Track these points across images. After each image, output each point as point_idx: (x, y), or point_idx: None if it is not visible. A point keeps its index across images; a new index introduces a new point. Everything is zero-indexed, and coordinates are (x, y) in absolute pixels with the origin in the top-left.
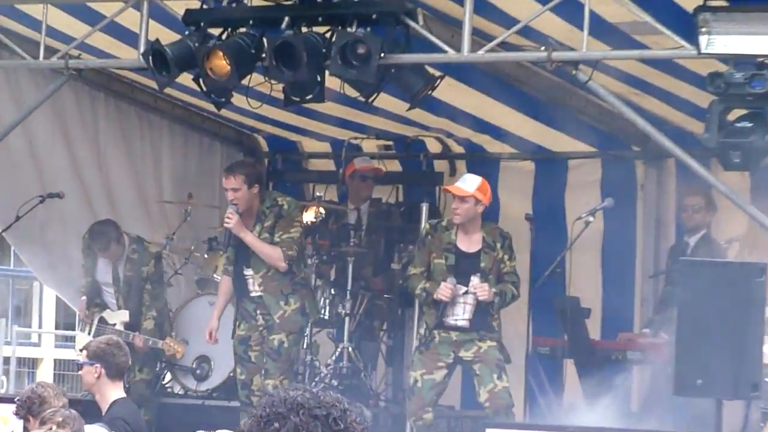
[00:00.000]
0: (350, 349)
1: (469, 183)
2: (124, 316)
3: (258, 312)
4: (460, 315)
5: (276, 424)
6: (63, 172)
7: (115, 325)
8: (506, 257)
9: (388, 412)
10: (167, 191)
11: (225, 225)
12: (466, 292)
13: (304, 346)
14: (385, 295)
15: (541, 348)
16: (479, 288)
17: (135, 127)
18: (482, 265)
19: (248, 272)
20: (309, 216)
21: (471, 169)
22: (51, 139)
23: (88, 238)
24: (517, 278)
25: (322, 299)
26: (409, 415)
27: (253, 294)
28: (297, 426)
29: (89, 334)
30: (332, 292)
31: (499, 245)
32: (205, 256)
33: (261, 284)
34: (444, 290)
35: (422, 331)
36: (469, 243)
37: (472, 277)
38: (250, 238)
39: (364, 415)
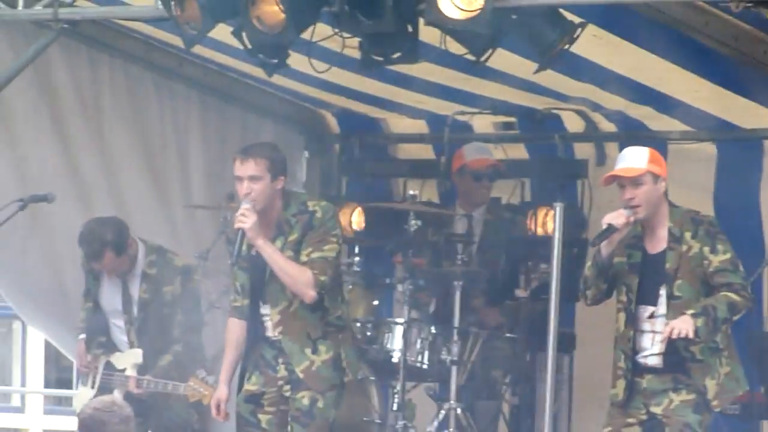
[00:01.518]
0: (459, 411)
1: (635, 158)
2: (136, 357)
3: (280, 361)
4: (648, 349)
5: None
6: (52, 166)
7: (125, 370)
8: (706, 250)
9: None
10: (198, 191)
11: (237, 225)
12: (652, 315)
13: (394, 407)
14: (508, 334)
15: (729, 406)
16: (666, 330)
17: (152, 102)
18: (667, 266)
19: (264, 309)
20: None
21: None
22: (34, 120)
23: (79, 241)
24: (735, 275)
25: (419, 341)
26: None
27: (272, 338)
28: None
29: (93, 387)
30: (432, 330)
31: (689, 235)
32: None
33: (279, 324)
34: (611, 216)
35: (622, 363)
36: (655, 241)
37: (661, 290)
38: (270, 249)
39: None
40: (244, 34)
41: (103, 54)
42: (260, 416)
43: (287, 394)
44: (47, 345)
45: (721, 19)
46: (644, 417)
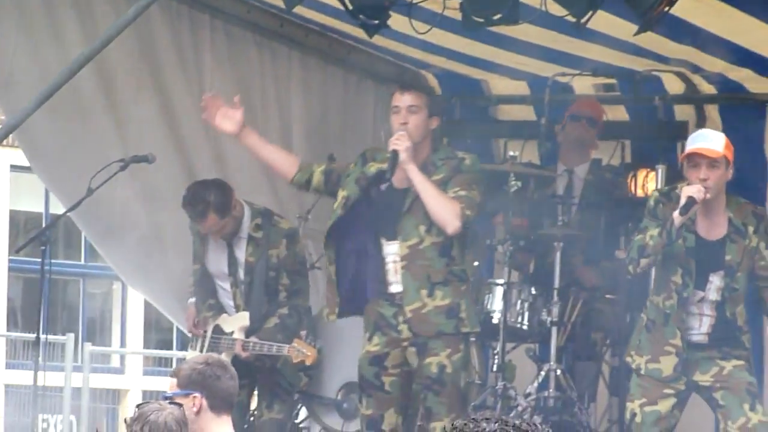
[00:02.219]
0: (559, 372)
1: (714, 140)
2: (243, 319)
3: (401, 319)
4: (696, 329)
5: None
6: (152, 126)
7: (232, 333)
8: (763, 245)
9: None
10: (299, 151)
11: (392, 147)
12: (702, 299)
13: (494, 368)
14: (608, 296)
15: None
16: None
17: (254, 62)
18: (727, 258)
19: (391, 247)
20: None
21: (728, 117)
22: (136, 81)
23: (183, 204)
24: None
25: (519, 302)
26: None
27: (392, 289)
28: None
29: (201, 351)
30: (533, 291)
31: (751, 229)
32: None
33: (405, 259)
34: (692, 189)
35: (677, 340)
36: (710, 227)
37: (712, 277)
38: (420, 176)
39: None
40: None
41: (203, 14)
42: (384, 379)
43: (413, 359)
44: (147, 306)
45: None
46: (682, 387)
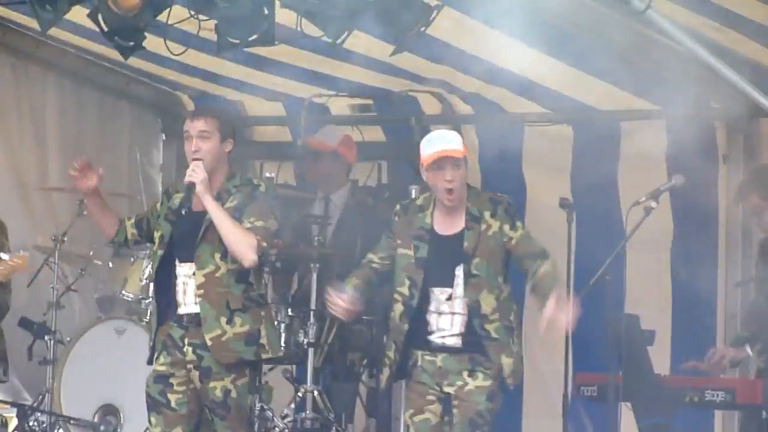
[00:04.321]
0: (316, 393)
1: (454, 140)
2: None
3: (187, 341)
4: (447, 329)
5: None
6: None
7: None
8: (506, 227)
9: None
10: (54, 173)
11: (188, 179)
12: (450, 297)
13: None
14: (365, 317)
15: (586, 387)
16: (553, 319)
17: (9, 85)
18: (465, 245)
19: (183, 269)
20: None
21: (486, 136)
22: None
23: None
24: (538, 247)
25: (275, 323)
26: None
27: (182, 310)
28: None
29: None
30: (289, 313)
31: (488, 214)
32: (110, 264)
33: (201, 287)
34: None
35: (391, 353)
36: (452, 223)
37: (457, 271)
38: (216, 207)
39: None
40: (100, 17)
41: None
42: (170, 396)
43: (197, 382)
44: None
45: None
46: (441, 395)
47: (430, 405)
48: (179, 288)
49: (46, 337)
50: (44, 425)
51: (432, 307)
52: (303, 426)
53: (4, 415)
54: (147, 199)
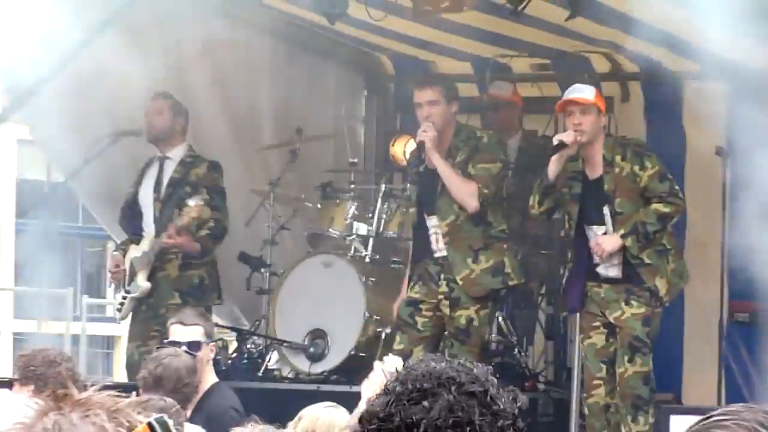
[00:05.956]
0: (500, 319)
1: (585, 92)
2: (147, 239)
3: (442, 276)
4: (608, 261)
5: (424, 403)
6: (141, 104)
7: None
8: (636, 168)
9: (548, 397)
10: (267, 129)
11: (420, 138)
12: (606, 233)
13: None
14: (542, 251)
15: (740, 315)
16: (596, 247)
17: (226, 46)
18: (606, 188)
19: (432, 221)
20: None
21: (650, 93)
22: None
23: None
24: (663, 185)
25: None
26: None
27: (437, 254)
28: (451, 405)
29: (124, 286)
30: None
31: (618, 157)
32: (318, 206)
33: (447, 236)
34: (563, 134)
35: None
36: (593, 168)
37: (604, 209)
38: (442, 163)
39: (519, 399)
40: None
41: None
42: (417, 318)
43: (446, 310)
44: None
45: None
46: (606, 321)
47: (597, 330)
48: (432, 238)
49: (262, 270)
50: (260, 347)
51: (592, 243)
52: (488, 348)
53: (225, 338)
54: (350, 145)
